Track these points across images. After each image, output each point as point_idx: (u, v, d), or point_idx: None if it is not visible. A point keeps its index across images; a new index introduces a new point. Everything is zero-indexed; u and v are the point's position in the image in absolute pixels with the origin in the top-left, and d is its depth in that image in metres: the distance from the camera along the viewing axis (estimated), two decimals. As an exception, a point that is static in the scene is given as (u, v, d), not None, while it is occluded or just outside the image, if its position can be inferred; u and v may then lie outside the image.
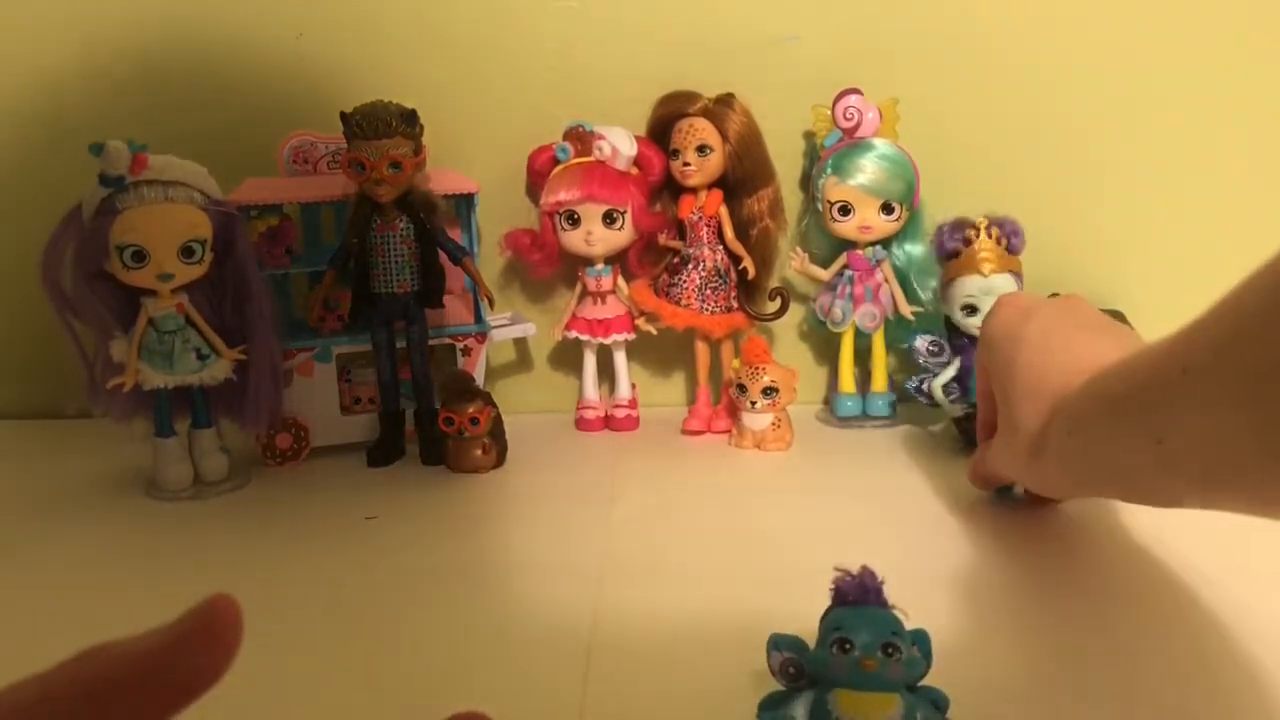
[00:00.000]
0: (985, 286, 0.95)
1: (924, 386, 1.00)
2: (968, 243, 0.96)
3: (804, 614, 0.69)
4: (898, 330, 1.07)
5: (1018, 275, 0.96)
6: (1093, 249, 1.13)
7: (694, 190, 1.05)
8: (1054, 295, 1.07)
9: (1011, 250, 0.96)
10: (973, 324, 0.96)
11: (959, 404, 0.98)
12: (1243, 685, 0.60)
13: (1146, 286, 1.13)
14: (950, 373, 0.99)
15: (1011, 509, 0.85)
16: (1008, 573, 0.75)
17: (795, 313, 1.12)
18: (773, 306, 1.08)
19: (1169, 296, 1.13)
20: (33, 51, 1.09)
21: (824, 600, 0.55)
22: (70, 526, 0.87)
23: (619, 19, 1.08)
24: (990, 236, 0.95)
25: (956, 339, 0.99)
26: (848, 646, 0.51)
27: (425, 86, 1.02)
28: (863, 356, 1.10)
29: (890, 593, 0.53)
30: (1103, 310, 1.08)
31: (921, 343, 1.00)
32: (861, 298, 1.06)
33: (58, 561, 0.81)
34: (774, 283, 1.09)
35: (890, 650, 0.51)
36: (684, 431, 1.07)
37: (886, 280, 1.06)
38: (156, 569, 0.80)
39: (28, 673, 0.32)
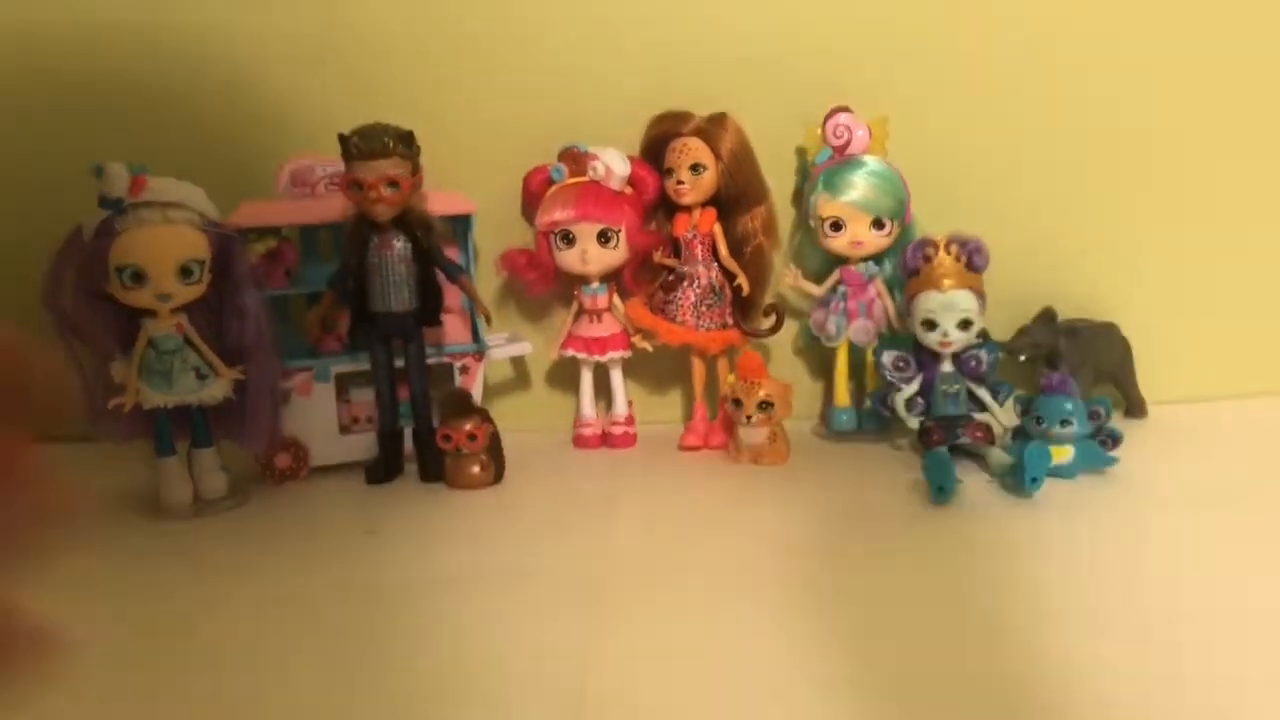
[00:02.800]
0: (944, 301, 0.96)
1: (888, 400, 1.01)
2: (928, 260, 0.97)
3: (803, 627, 0.70)
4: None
5: (978, 292, 0.97)
6: (1084, 262, 1.14)
7: (688, 208, 1.06)
8: (1045, 308, 1.09)
9: (973, 268, 0.97)
10: (933, 339, 0.98)
11: (919, 417, 1.00)
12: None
13: (1138, 299, 1.14)
14: (913, 388, 1.00)
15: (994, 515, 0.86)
16: (998, 576, 0.75)
17: (790, 328, 1.13)
18: (768, 322, 1.09)
19: (1161, 310, 1.15)
20: (32, 75, 1.10)
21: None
22: (70, 546, 0.87)
23: (612, 41, 1.10)
24: (949, 253, 0.97)
25: (922, 354, 1.01)
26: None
27: (422, 108, 1.02)
28: (857, 371, 1.11)
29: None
30: (1096, 323, 1.10)
31: (888, 357, 1.01)
32: (855, 313, 1.07)
33: (59, 580, 0.81)
34: (768, 299, 1.10)
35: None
36: (681, 447, 1.08)
37: (880, 295, 1.07)
38: (157, 587, 0.80)
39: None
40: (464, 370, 1.06)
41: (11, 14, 1.09)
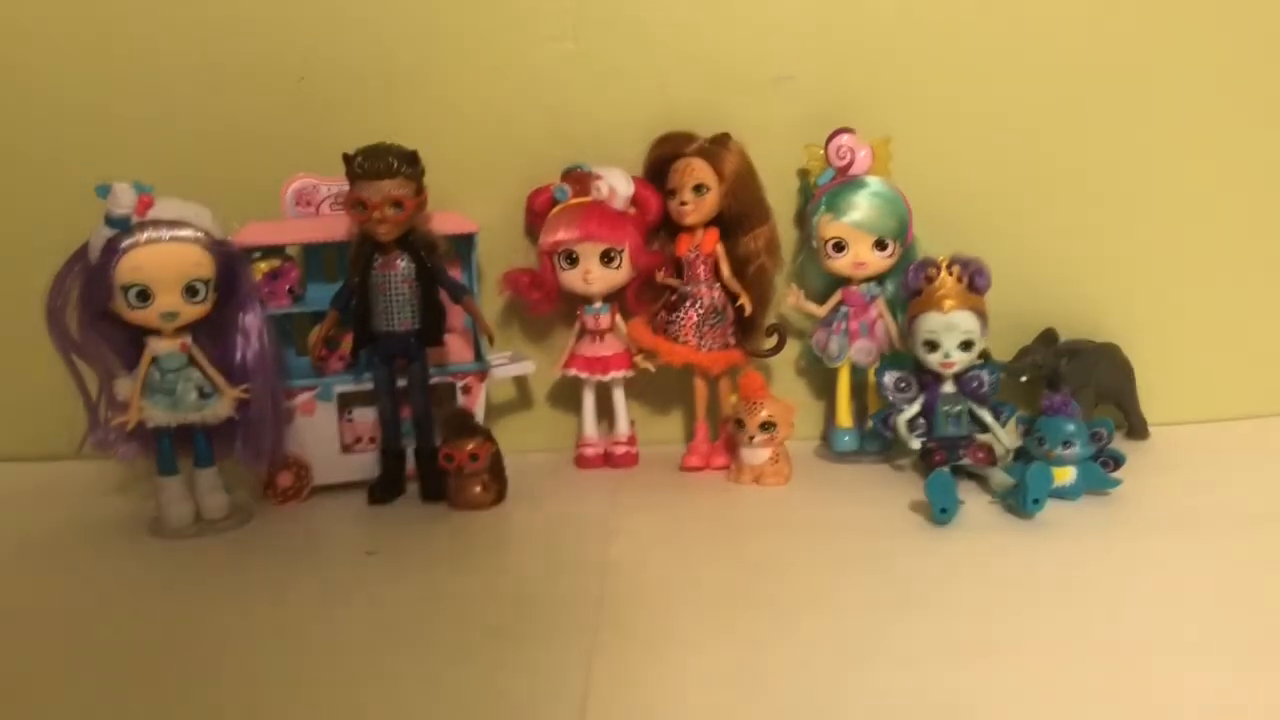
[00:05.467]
0: (945, 323, 0.97)
1: (889, 421, 1.01)
2: (929, 280, 0.98)
3: (805, 646, 0.70)
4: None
5: (980, 313, 0.98)
6: (1086, 283, 1.14)
7: (691, 229, 1.07)
8: (1046, 330, 1.09)
9: (975, 289, 0.98)
10: (934, 360, 0.98)
11: (921, 437, 1.00)
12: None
13: (1140, 320, 1.14)
14: (914, 409, 1.00)
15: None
16: (999, 598, 0.75)
17: (792, 348, 1.13)
18: (770, 342, 1.09)
19: (1163, 331, 1.15)
20: (37, 93, 1.10)
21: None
22: (74, 565, 0.88)
23: (616, 61, 1.10)
24: (951, 274, 0.97)
25: (923, 375, 1.01)
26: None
27: (426, 129, 1.03)
28: (859, 391, 1.11)
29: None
30: (1098, 344, 1.10)
31: (889, 378, 1.01)
32: (857, 333, 1.07)
33: (63, 599, 0.81)
34: (771, 319, 1.10)
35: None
36: (683, 468, 1.08)
37: (881, 316, 1.08)
38: (159, 606, 0.80)
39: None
40: (466, 390, 1.06)
41: (14, 30, 1.09)
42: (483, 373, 1.06)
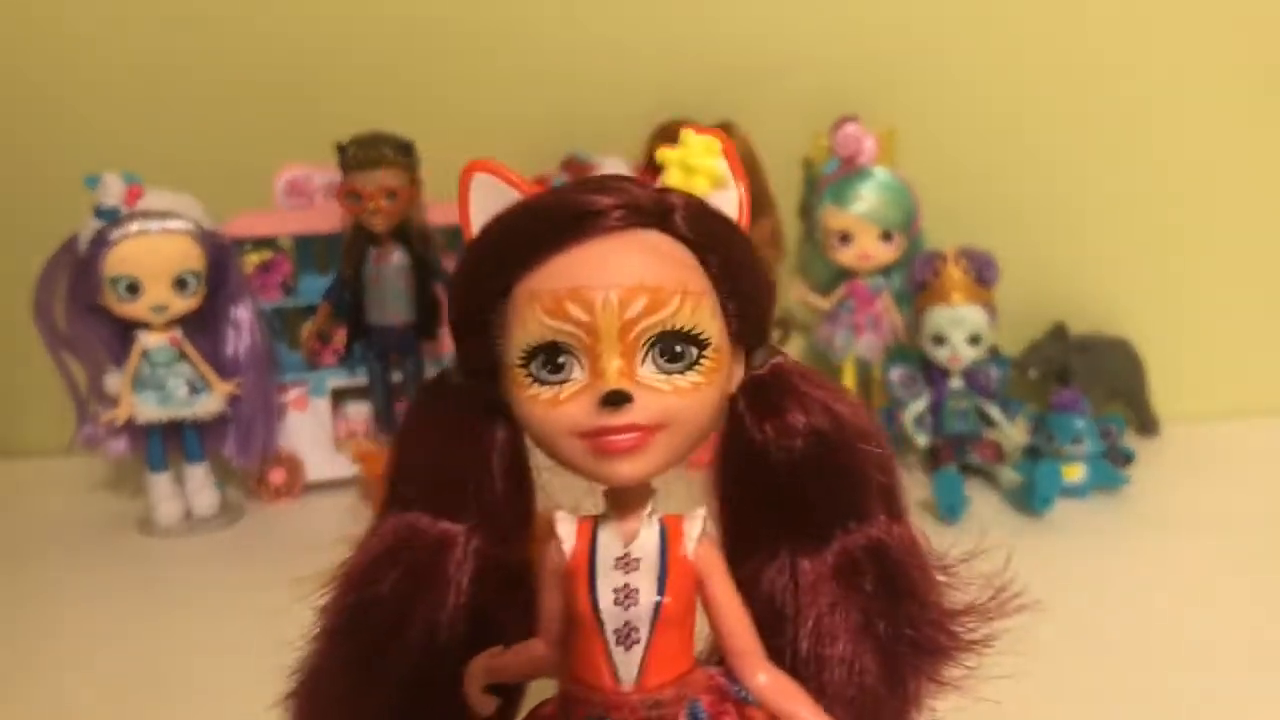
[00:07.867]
0: (952, 317, 0.95)
1: (895, 417, 1.00)
2: (937, 274, 0.96)
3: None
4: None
5: (989, 307, 0.96)
6: (1096, 277, 1.12)
7: (692, 220, 1.05)
8: (1056, 324, 1.07)
9: (983, 282, 0.96)
10: (941, 354, 0.96)
11: (927, 435, 0.99)
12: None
13: (1151, 315, 1.12)
14: (921, 405, 0.99)
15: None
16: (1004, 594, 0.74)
17: (796, 342, 1.11)
18: (774, 335, 1.07)
19: (1174, 326, 1.13)
20: (25, 83, 1.09)
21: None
22: (62, 564, 0.87)
23: (616, 50, 1.08)
24: (959, 267, 0.96)
25: (930, 370, 0.99)
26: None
27: (422, 118, 1.01)
28: (865, 387, 1.09)
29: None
30: (1108, 339, 1.09)
31: (896, 374, 1.00)
32: (863, 327, 1.05)
33: (50, 599, 0.80)
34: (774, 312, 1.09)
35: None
36: (688, 463, 1.06)
37: (887, 310, 1.06)
38: (148, 606, 0.78)
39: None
40: (463, 385, 1.04)
41: (1, 20, 1.08)
42: (480, 367, 1.05)
